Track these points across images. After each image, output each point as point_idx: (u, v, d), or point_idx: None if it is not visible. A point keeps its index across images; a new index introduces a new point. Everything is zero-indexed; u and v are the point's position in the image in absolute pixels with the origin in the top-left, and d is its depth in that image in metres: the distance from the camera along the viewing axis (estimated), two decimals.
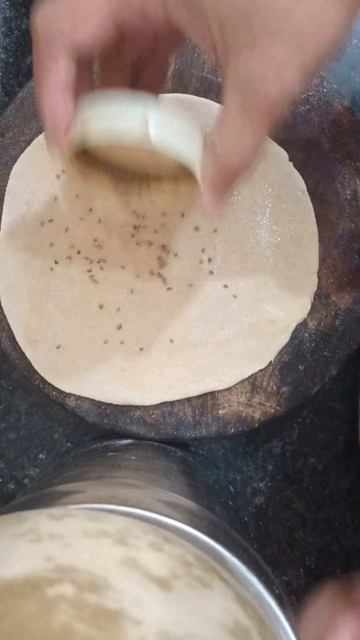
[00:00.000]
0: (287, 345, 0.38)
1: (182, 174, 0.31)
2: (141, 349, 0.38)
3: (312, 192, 0.38)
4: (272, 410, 0.38)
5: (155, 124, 0.26)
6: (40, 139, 0.39)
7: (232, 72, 0.23)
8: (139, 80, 0.31)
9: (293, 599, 0.43)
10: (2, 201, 0.39)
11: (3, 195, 0.39)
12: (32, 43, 0.26)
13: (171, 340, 0.38)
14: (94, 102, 0.27)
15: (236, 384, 0.38)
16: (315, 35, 0.22)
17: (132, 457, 0.36)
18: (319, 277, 0.38)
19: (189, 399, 0.39)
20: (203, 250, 0.38)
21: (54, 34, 0.25)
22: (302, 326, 0.39)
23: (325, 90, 0.38)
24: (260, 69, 0.23)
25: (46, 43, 0.25)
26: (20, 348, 0.39)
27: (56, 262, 0.39)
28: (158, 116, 0.27)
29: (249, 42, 0.22)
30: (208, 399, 0.39)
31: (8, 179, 0.39)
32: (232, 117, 0.25)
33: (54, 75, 0.26)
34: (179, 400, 0.39)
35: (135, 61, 0.30)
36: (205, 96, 0.39)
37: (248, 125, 0.25)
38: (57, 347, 0.39)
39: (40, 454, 0.44)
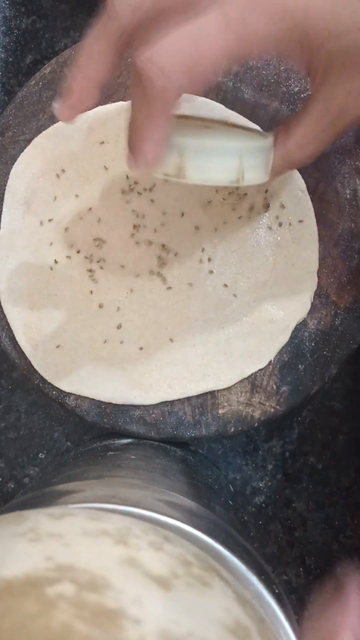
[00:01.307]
0: (286, 344, 0.38)
1: None
2: (141, 349, 0.38)
3: (312, 191, 0.38)
4: (272, 410, 0.38)
5: (251, 172, 0.29)
6: (40, 138, 0.39)
7: (329, 91, 0.28)
8: None
9: (293, 598, 0.43)
10: (2, 200, 0.39)
11: (3, 194, 0.39)
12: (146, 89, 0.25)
13: (171, 340, 0.38)
14: (189, 141, 0.28)
15: (236, 383, 0.38)
16: None
17: (132, 457, 0.36)
18: (318, 277, 0.38)
19: (188, 399, 0.39)
20: (203, 250, 0.38)
21: (182, 67, 0.24)
22: (302, 325, 0.39)
23: None
24: (356, 97, 0.28)
25: (170, 77, 0.24)
26: (20, 347, 0.39)
27: (56, 262, 0.39)
28: (253, 163, 0.29)
29: (352, 76, 0.27)
30: (208, 398, 0.39)
31: (8, 178, 0.39)
32: (314, 124, 0.29)
33: (165, 112, 0.25)
34: (178, 400, 0.39)
35: None
36: (206, 96, 0.39)
37: (325, 134, 0.30)
38: (57, 347, 0.39)
39: (40, 454, 0.44)
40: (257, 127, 0.38)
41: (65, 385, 0.39)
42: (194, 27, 0.24)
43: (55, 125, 0.39)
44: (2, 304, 0.39)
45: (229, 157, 0.28)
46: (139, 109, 0.26)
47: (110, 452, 0.37)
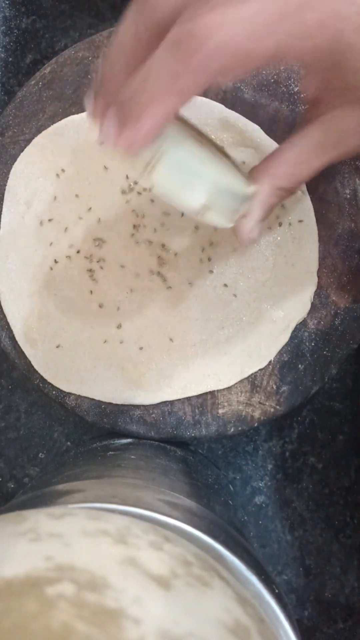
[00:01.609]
0: (286, 344, 0.38)
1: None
2: (141, 348, 0.38)
3: (312, 191, 0.38)
4: (272, 410, 0.38)
5: (214, 214, 0.28)
6: (40, 138, 0.39)
7: (331, 117, 0.27)
8: None
9: (293, 598, 0.43)
10: (2, 200, 0.39)
11: (3, 194, 0.39)
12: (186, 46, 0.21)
13: (171, 340, 0.38)
14: (174, 147, 0.26)
15: (236, 383, 0.38)
16: None
17: (132, 457, 0.36)
18: (318, 276, 0.38)
19: (188, 398, 0.39)
20: (203, 250, 0.38)
21: (229, 50, 0.21)
22: (301, 325, 0.39)
23: None
24: (356, 126, 0.27)
25: (210, 57, 0.21)
26: (19, 347, 0.39)
27: (56, 262, 0.39)
28: (222, 205, 0.28)
29: (355, 106, 0.26)
30: (208, 398, 0.39)
31: (8, 178, 0.39)
32: (309, 149, 0.28)
33: (185, 92, 0.22)
34: (178, 400, 0.39)
35: None
36: (205, 95, 0.39)
37: (321, 159, 0.28)
38: (57, 347, 0.39)
39: (40, 453, 0.44)
40: (257, 127, 0.38)
41: (65, 385, 0.39)
42: (254, 7, 0.21)
43: (55, 125, 0.39)
44: (2, 304, 0.39)
45: (202, 187, 0.27)
46: (164, 63, 0.22)
47: (110, 452, 0.37)
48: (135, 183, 0.39)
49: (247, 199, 0.29)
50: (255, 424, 0.38)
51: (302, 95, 0.38)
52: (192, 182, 0.27)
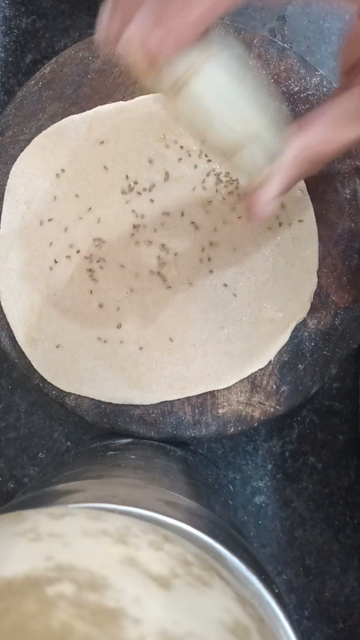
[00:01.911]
0: (286, 344, 0.38)
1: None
2: (141, 348, 0.38)
3: (312, 191, 0.38)
4: (272, 410, 0.38)
5: (241, 160, 0.24)
6: (39, 138, 0.39)
7: None
8: None
9: (293, 598, 0.43)
10: (2, 200, 0.39)
11: (2, 194, 0.39)
12: None
13: (171, 339, 0.38)
14: (214, 66, 0.22)
15: (236, 383, 0.38)
16: None
17: (132, 456, 0.36)
18: (318, 276, 0.38)
19: (188, 398, 0.39)
20: (203, 249, 0.38)
21: None
22: (301, 325, 0.39)
23: (325, 89, 0.38)
24: None
25: None
26: (19, 347, 0.39)
27: (55, 262, 0.39)
28: (249, 152, 0.24)
29: None
30: (208, 398, 0.39)
31: (7, 178, 0.39)
32: (341, 114, 0.26)
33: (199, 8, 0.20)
34: (178, 400, 0.39)
35: None
36: None
37: (353, 129, 0.26)
38: (57, 346, 0.39)
39: (40, 453, 0.44)
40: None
41: (65, 385, 0.39)
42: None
43: (55, 125, 0.39)
44: (2, 304, 0.39)
45: (237, 122, 0.23)
46: None
47: (110, 452, 0.37)
48: (136, 183, 0.39)
49: (274, 158, 0.26)
50: (255, 424, 0.38)
51: (302, 95, 0.38)
52: (227, 113, 0.23)
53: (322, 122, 0.26)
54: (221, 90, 0.22)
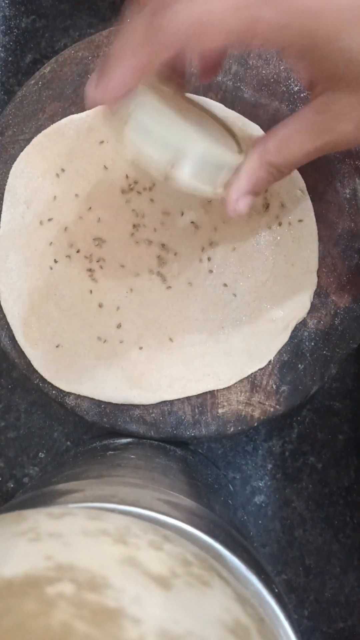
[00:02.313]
0: (286, 344, 0.38)
1: None
2: (141, 348, 0.38)
3: (312, 190, 0.38)
4: (272, 409, 0.38)
5: (188, 172, 0.28)
6: (39, 138, 0.39)
7: (323, 100, 0.27)
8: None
9: (293, 598, 0.43)
10: (2, 200, 0.39)
11: (2, 194, 0.39)
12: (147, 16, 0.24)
13: (171, 339, 0.38)
14: (149, 100, 0.27)
15: (236, 383, 0.38)
16: None
17: (132, 456, 0.36)
18: (318, 276, 0.38)
19: (188, 398, 0.39)
20: (203, 249, 0.38)
21: (185, 30, 0.24)
22: (301, 325, 0.39)
23: None
24: (349, 110, 0.27)
25: (172, 32, 0.24)
26: (19, 347, 0.39)
27: (55, 261, 0.39)
28: (201, 172, 0.28)
29: (350, 91, 0.26)
30: (207, 398, 0.39)
31: (7, 177, 0.39)
32: (300, 128, 0.28)
33: (152, 57, 0.25)
34: (178, 399, 0.39)
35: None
36: (205, 95, 0.39)
37: (312, 141, 0.28)
38: (57, 346, 0.39)
39: (40, 453, 0.44)
40: (257, 127, 0.38)
41: (64, 385, 0.39)
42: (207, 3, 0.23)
43: (55, 124, 0.39)
44: (2, 304, 0.39)
45: (164, 152, 0.27)
46: (133, 35, 0.25)
47: (110, 452, 0.37)
48: (136, 182, 0.39)
49: (230, 169, 0.29)
50: (255, 424, 0.38)
51: (302, 95, 0.38)
52: (156, 146, 0.27)
53: (277, 135, 0.29)
54: (148, 126, 0.27)
